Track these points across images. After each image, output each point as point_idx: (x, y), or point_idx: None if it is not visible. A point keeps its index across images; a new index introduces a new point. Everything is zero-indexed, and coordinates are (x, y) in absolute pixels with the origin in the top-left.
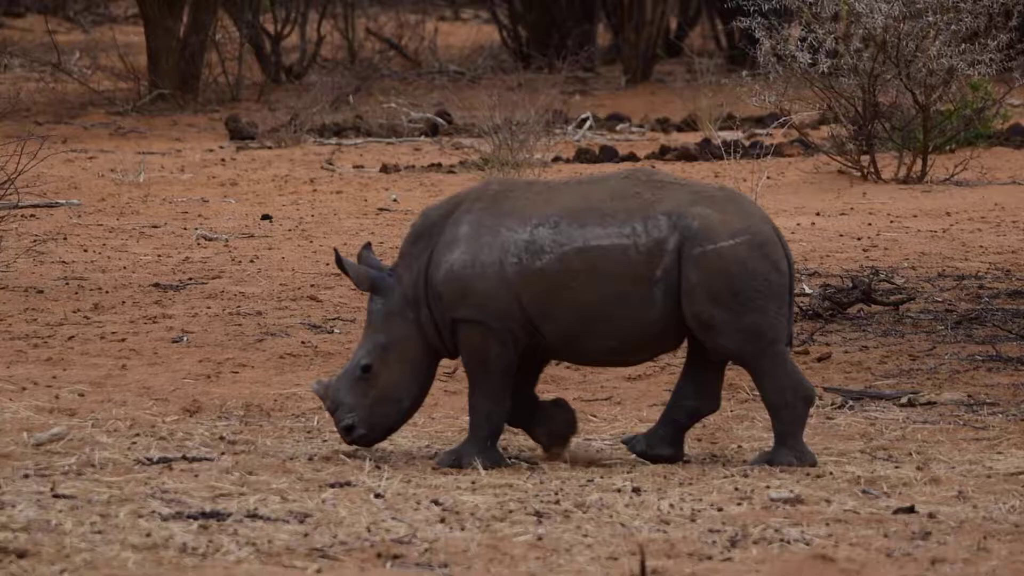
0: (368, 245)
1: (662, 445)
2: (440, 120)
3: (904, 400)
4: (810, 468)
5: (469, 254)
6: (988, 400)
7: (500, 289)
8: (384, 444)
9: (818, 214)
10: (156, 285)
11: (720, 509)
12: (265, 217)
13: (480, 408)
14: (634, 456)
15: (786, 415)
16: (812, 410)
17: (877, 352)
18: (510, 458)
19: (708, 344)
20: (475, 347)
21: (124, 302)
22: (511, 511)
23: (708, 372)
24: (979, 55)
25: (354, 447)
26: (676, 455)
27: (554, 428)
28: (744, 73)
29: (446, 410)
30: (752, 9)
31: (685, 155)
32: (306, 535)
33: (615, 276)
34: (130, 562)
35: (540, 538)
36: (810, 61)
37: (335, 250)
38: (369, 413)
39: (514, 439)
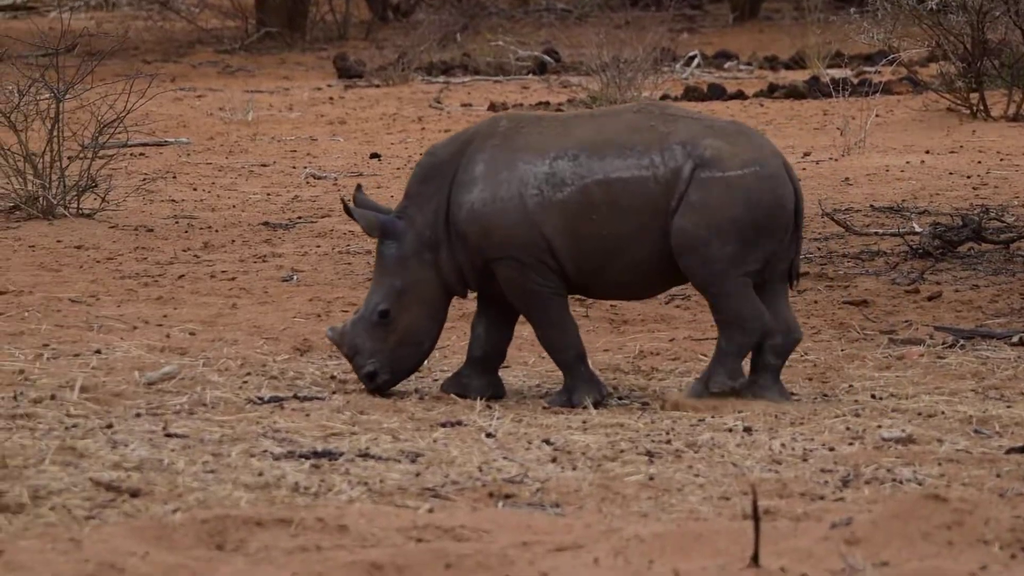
0: (359, 187)
1: (771, 391)
2: (548, 58)
3: (1015, 339)
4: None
5: (488, 191)
6: None
7: (522, 224)
8: None
9: (927, 152)
10: (265, 224)
11: (832, 449)
12: (374, 156)
13: (552, 341)
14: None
15: (737, 338)
16: (923, 349)
17: (988, 291)
18: (619, 398)
19: (680, 262)
20: (517, 283)
21: (234, 241)
22: (622, 451)
23: (778, 300)
24: None
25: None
26: (787, 397)
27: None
28: (852, 10)
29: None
30: None
31: (793, 93)
32: (418, 474)
33: (635, 208)
34: (242, 501)
35: (652, 478)
36: None
37: (342, 199)
38: (391, 358)
39: (624, 378)
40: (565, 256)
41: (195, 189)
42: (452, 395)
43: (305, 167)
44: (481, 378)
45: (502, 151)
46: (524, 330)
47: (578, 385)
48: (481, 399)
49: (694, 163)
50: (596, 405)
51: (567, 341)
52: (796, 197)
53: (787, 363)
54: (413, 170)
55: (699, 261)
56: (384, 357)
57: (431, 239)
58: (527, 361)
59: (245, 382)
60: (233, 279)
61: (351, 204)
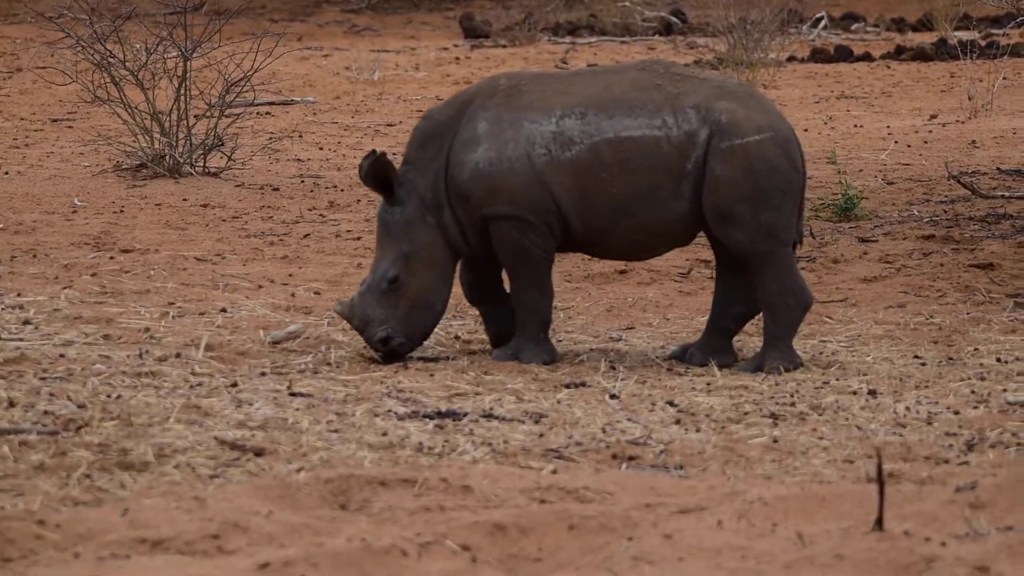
0: (374, 151)
1: (722, 355)
2: (674, 19)
3: None
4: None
5: (493, 150)
6: None
7: (530, 183)
8: (619, 344)
9: None
10: None
11: (956, 412)
12: None
13: (527, 300)
14: (869, 359)
15: (784, 317)
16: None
17: None
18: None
19: (721, 237)
20: (513, 241)
21: (359, 200)
22: (746, 413)
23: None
24: None
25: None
26: (734, 361)
27: (503, 331)
28: None
29: (681, 311)
30: None
31: (921, 55)
32: (541, 435)
33: (647, 168)
34: (366, 461)
35: (776, 440)
36: None
37: (360, 164)
38: (405, 323)
39: (748, 340)
40: (573, 215)
41: (321, 148)
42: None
43: None
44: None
45: (506, 110)
46: (649, 291)
47: (529, 346)
48: (538, 364)
49: (710, 129)
50: (544, 364)
51: (542, 305)
52: (802, 162)
53: (913, 326)
54: (410, 135)
55: (742, 235)
56: (397, 323)
57: (433, 201)
58: (651, 323)
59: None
60: (358, 239)
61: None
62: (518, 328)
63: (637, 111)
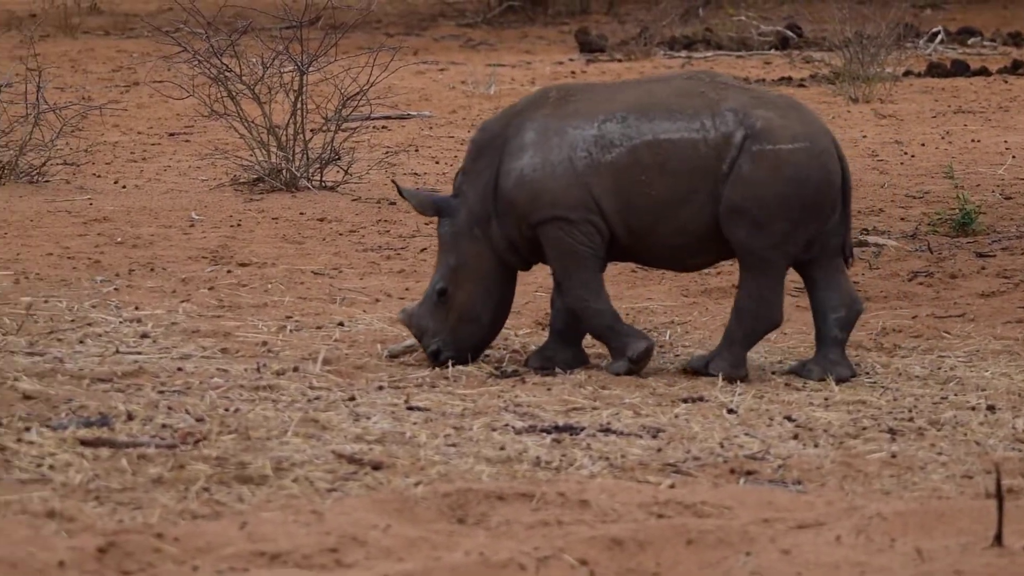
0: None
1: (840, 367)
2: (790, 33)
3: None
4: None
5: (538, 157)
6: None
7: (572, 185)
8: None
9: None
10: None
11: None
12: None
13: (587, 305)
14: (988, 374)
15: (749, 324)
16: None
17: None
18: (865, 374)
19: (728, 233)
20: (562, 244)
21: None
22: (864, 428)
23: (837, 275)
24: None
25: None
26: (853, 372)
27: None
28: None
29: (797, 325)
30: None
31: None
32: (659, 450)
33: (685, 171)
34: (484, 475)
35: (894, 455)
36: None
37: (394, 181)
38: (454, 336)
39: (867, 355)
40: (615, 218)
41: (437, 162)
42: (536, 369)
43: None
44: (566, 350)
45: (553, 119)
46: None
47: (625, 341)
48: (567, 371)
49: (745, 132)
50: (648, 352)
51: (600, 305)
52: (844, 174)
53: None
54: (467, 147)
55: (745, 235)
56: (446, 335)
57: (481, 213)
58: (768, 337)
59: (487, 355)
60: None
61: (405, 187)
62: (602, 338)
63: (677, 115)
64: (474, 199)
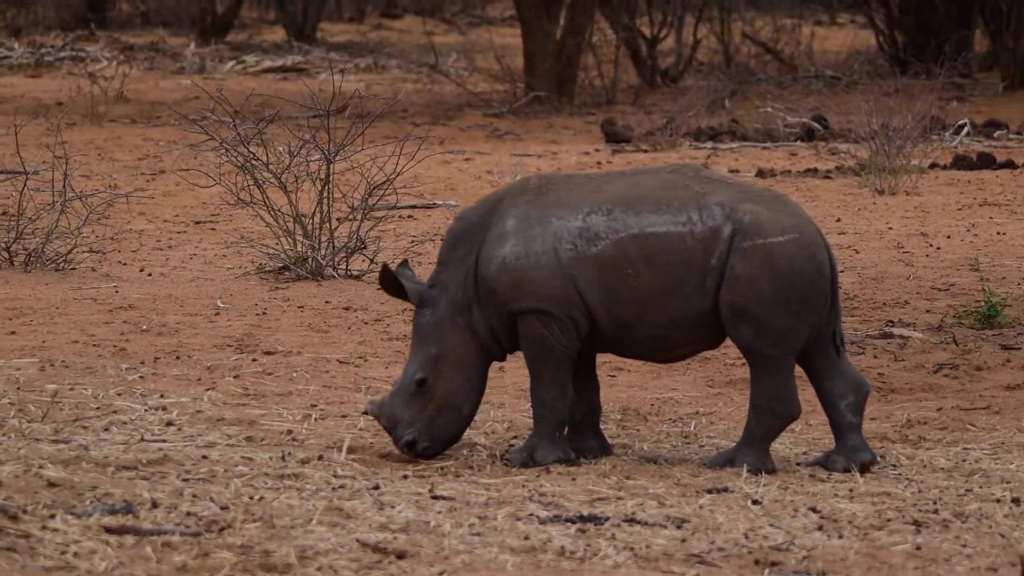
0: (405, 263)
1: (862, 452)
2: (816, 125)
3: None
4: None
5: (521, 246)
6: None
7: (556, 277)
8: None
9: None
10: None
11: None
12: None
13: (546, 399)
14: (1012, 466)
15: (767, 421)
16: None
17: None
18: (892, 466)
19: (732, 334)
20: (537, 336)
21: None
22: (889, 520)
23: (837, 362)
24: None
25: None
26: (874, 456)
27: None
28: None
29: (822, 416)
30: None
31: None
32: (683, 540)
33: (672, 263)
34: (508, 564)
35: (919, 547)
36: None
37: (385, 264)
38: (430, 426)
39: (892, 447)
40: (599, 310)
41: None
42: (557, 461)
43: None
44: (591, 440)
45: (534, 207)
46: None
47: (543, 444)
48: (592, 459)
49: (734, 226)
50: (559, 463)
51: (560, 404)
52: (831, 263)
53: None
54: (444, 237)
55: (750, 334)
56: (423, 425)
57: (463, 301)
58: (793, 428)
59: (511, 445)
60: None
61: (393, 270)
62: (535, 426)
63: (663, 208)
64: (455, 288)
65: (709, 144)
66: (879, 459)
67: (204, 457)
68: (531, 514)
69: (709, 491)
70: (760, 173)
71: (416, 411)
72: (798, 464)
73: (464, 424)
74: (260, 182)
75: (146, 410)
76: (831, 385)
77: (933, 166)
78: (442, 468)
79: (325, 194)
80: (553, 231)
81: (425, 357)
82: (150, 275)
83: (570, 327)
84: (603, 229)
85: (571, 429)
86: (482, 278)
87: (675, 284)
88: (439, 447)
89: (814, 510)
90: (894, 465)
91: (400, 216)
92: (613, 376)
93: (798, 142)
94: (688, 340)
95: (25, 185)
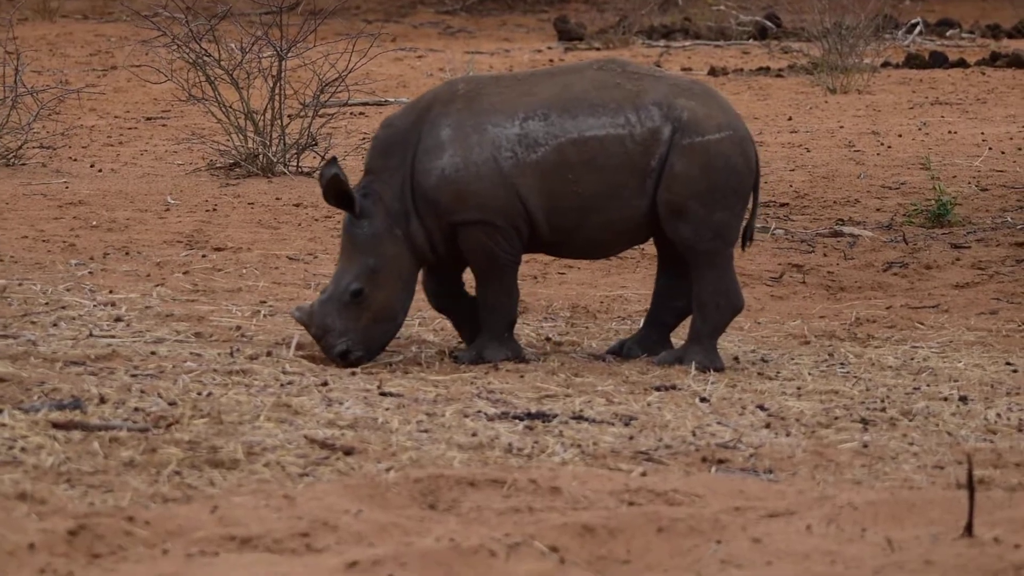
0: (334, 159)
1: (658, 347)
2: (769, 23)
3: None
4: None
5: (459, 156)
6: None
7: (498, 186)
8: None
9: None
10: None
11: None
12: None
13: (495, 303)
14: (960, 365)
15: (713, 316)
16: None
17: None
18: (841, 364)
19: (670, 232)
20: (482, 246)
21: None
22: (836, 418)
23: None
24: None
25: None
26: (673, 358)
27: (476, 328)
28: None
29: (771, 315)
30: None
31: (1016, 62)
32: (631, 438)
33: (613, 167)
34: (456, 461)
35: (865, 445)
36: None
37: (334, 161)
38: (365, 335)
39: (840, 345)
40: (540, 217)
41: None
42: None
43: None
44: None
45: (467, 115)
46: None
47: (492, 344)
48: (503, 360)
49: (673, 126)
50: (507, 361)
51: (508, 307)
52: (756, 158)
53: (1005, 333)
54: (371, 144)
55: (690, 231)
56: (357, 335)
57: (400, 211)
58: (742, 327)
59: (460, 343)
60: None
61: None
62: (484, 328)
63: (599, 110)
64: (390, 198)
65: (662, 42)
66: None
67: (152, 353)
68: (479, 411)
69: (657, 389)
70: (712, 71)
71: (350, 320)
72: (746, 362)
73: (396, 331)
74: (212, 79)
75: (95, 306)
76: (674, 282)
77: (885, 65)
78: (390, 365)
79: (277, 91)
80: (491, 139)
81: (362, 267)
82: (100, 171)
83: (513, 235)
84: (542, 135)
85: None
86: (421, 189)
87: (615, 187)
88: (371, 355)
89: (762, 408)
90: (842, 363)
91: (352, 113)
92: (563, 274)
93: (751, 40)
94: (623, 240)
95: None
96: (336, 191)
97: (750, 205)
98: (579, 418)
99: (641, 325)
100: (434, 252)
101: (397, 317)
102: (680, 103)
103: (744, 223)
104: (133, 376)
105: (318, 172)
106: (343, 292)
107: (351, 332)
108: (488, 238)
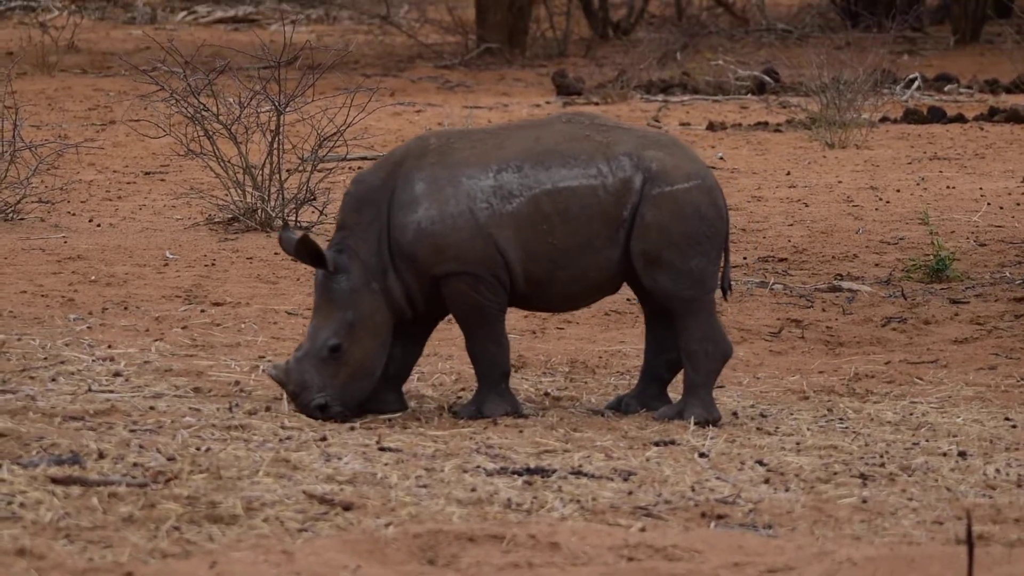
0: (287, 225)
1: (656, 402)
2: (767, 78)
3: None
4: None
5: (435, 209)
6: None
7: (475, 237)
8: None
9: None
10: None
11: None
12: None
13: (486, 355)
14: (959, 420)
15: (703, 365)
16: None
17: None
18: (839, 420)
19: (648, 283)
20: (465, 297)
21: None
22: (836, 473)
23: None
24: None
25: None
26: (673, 413)
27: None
28: None
29: (770, 370)
30: None
31: (1014, 117)
32: (630, 493)
33: (586, 217)
34: (455, 516)
35: (865, 501)
36: None
37: (304, 232)
38: (343, 391)
39: (839, 400)
40: (516, 268)
41: None
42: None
43: None
44: (392, 393)
45: (440, 168)
46: (739, 350)
47: (491, 397)
48: (393, 413)
49: (643, 176)
50: (506, 416)
51: (500, 358)
52: (725, 207)
53: (1004, 388)
54: (343, 200)
55: (668, 281)
56: (335, 390)
57: (377, 267)
58: (741, 382)
59: (459, 397)
60: None
61: (310, 239)
62: (480, 382)
63: (571, 161)
64: (366, 253)
65: (660, 97)
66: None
67: (151, 408)
68: (478, 466)
69: (656, 444)
70: (711, 126)
71: (328, 376)
72: (745, 417)
73: (373, 386)
74: (210, 133)
75: (94, 360)
76: (663, 335)
77: (883, 120)
78: (389, 420)
79: (275, 145)
80: (466, 191)
81: (340, 323)
82: (99, 226)
83: (495, 284)
84: (516, 187)
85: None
86: (398, 245)
87: (588, 238)
88: (351, 410)
89: (761, 463)
90: (841, 419)
91: (350, 168)
92: (561, 329)
93: (749, 95)
94: (595, 292)
95: None
96: (308, 250)
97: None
98: (578, 473)
99: (637, 380)
100: (412, 307)
101: (375, 372)
102: (649, 154)
103: (720, 272)
104: (132, 431)
105: (280, 237)
106: (320, 348)
107: (329, 387)
108: (471, 288)
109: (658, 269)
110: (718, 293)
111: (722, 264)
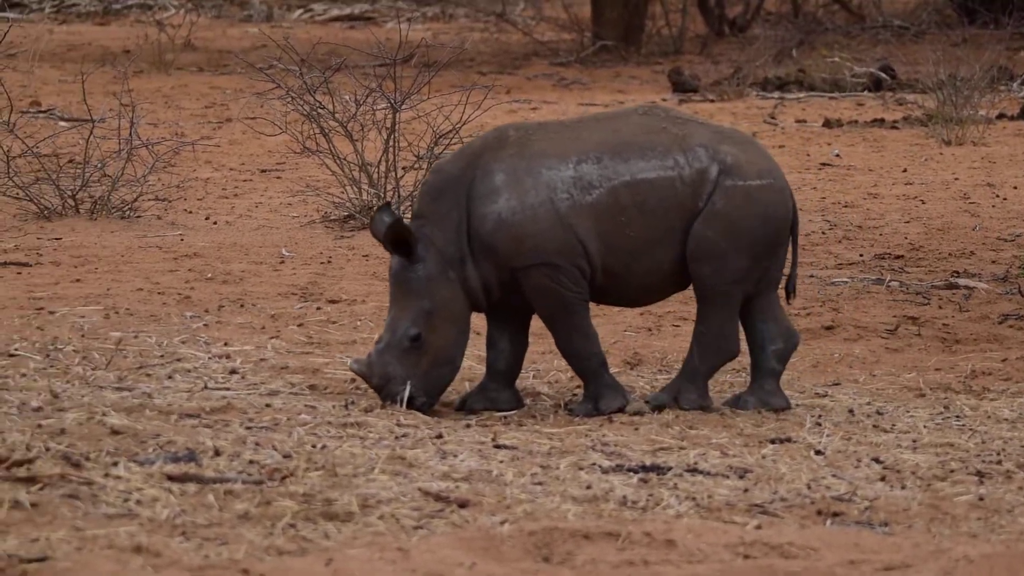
0: (387, 204)
1: (776, 397)
2: (884, 75)
3: None
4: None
5: (515, 200)
6: None
7: (556, 228)
8: (824, 400)
9: None
10: None
11: None
12: None
13: (574, 348)
14: None
15: (710, 358)
16: None
17: None
18: (956, 417)
19: (692, 266)
20: (547, 289)
21: None
22: (952, 471)
23: (775, 308)
24: None
25: None
26: (788, 403)
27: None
28: None
29: (886, 367)
30: None
31: None
32: (746, 490)
33: (664, 209)
34: (570, 514)
35: (981, 498)
36: None
37: (395, 220)
38: (425, 381)
39: (955, 398)
40: (595, 259)
41: None
42: (479, 409)
43: None
44: (507, 391)
45: (520, 159)
46: (855, 348)
47: (603, 392)
48: (509, 411)
49: (719, 167)
50: (621, 411)
51: (591, 348)
52: (795, 209)
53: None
54: (420, 189)
55: (712, 270)
56: (419, 380)
57: (455, 256)
58: (857, 379)
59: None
60: None
61: (400, 221)
62: (583, 378)
63: (649, 153)
64: (444, 243)
65: (776, 94)
66: (791, 406)
67: (267, 405)
68: (593, 464)
69: (772, 441)
70: (827, 123)
71: (410, 366)
72: (862, 415)
73: (455, 375)
74: (326, 131)
75: (210, 358)
76: (764, 327)
77: (1000, 116)
78: (505, 417)
79: (391, 143)
80: (545, 182)
81: (418, 312)
82: (215, 223)
83: (576, 274)
84: (595, 178)
85: (489, 377)
86: (478, 235)
87: (666, 230)
88: (434, 399)
89: (877, 460)
90: (958, 416)
91: None
92: (677, 326)
93: (865, 92)
94: (670, 285)
95: (92, 133)
96: (397, 237)
97: (789, 256)
98: (693, 471)
99: (751, 378)
100: (488, 297)
101: (455, 360)
102: (725, 148)
103: (787, 274)
104: (248, 428)
105: (373, 218)
106: (401, 338)
107: (413, 378)
108: (551, 280)
109: (707, 257)
110: (781, 294)
111: (788, 266)
